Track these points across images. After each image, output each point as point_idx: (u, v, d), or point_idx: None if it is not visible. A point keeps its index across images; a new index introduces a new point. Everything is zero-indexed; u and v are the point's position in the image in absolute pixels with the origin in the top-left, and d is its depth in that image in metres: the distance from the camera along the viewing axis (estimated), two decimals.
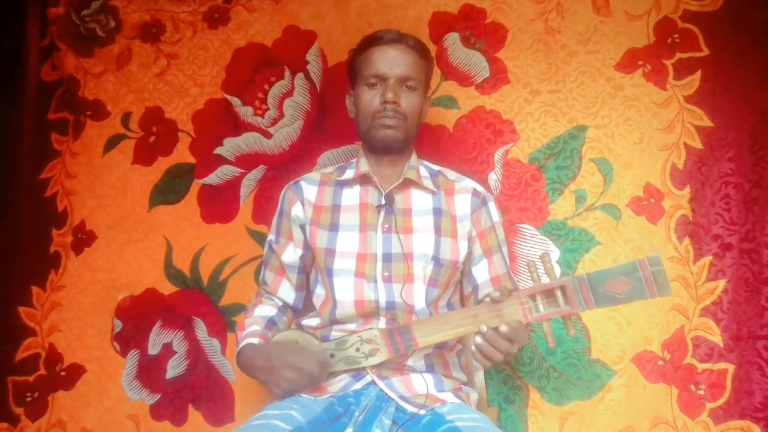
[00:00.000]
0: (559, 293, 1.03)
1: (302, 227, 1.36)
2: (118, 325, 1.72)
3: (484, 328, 1.04)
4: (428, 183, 1.35)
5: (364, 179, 1.35)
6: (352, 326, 1.25)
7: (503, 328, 1.03)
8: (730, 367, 1.40)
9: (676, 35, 1.54)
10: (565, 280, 1.02)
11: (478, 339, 1.05)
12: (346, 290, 1.26)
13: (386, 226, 1.29)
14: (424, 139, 1.63)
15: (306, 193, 1.37)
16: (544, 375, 1.50)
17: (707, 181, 1.48)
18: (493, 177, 1.60)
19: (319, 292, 1.33)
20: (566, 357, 1.49)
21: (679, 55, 1.54)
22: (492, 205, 1.37)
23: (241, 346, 1.26)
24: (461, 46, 1.67)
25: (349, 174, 1.37)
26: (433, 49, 1.67)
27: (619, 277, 0.99)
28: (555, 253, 1.54)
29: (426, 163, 1.43)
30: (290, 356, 1.16)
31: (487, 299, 1.08)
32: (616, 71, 1.57)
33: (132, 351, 1.71)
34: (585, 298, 1.01)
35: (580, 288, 1.01)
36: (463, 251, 1.31)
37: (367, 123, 1.32)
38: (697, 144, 1.50)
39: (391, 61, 1.30)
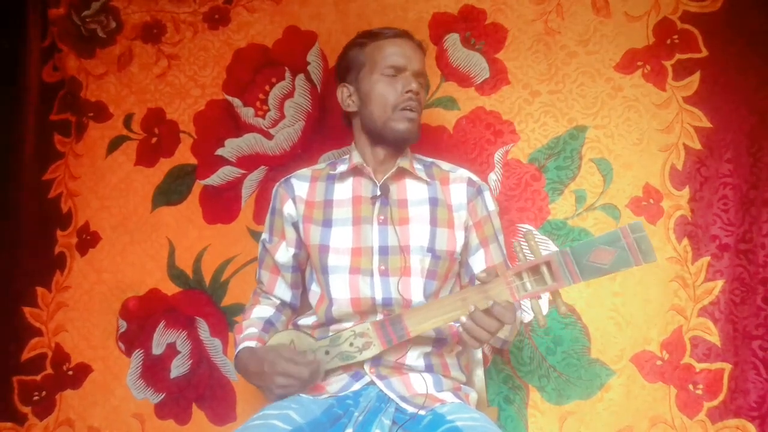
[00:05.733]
0: (545, 269, 1.02)
1: (295, 225, 1.34)
2: (123, 325, 1.74)
3: (472, 308, 1.05)
4: (422, 174, 1.34)
5: (357, 172, 1.34)
6: (348, 324, 1.24)
7: (488, 303, 1.04)
8: (727, 367, 1.41)
9: (676, 36, 1.54)
10: (550, 256, 1.01)
11: (464, 318, 1.06)
12: (341, 288, 1.25)
13: (382, 217, 1.28)
14: (424, 140, 1.61)
15: (297, 189, 1.35)
16: (544, 375, 1.51)
17: (706, 182, 1.49)
18: (493, 177, 1.61)
19: (315, 289, 1.33)
20: (566, 357, 1.50)
21: (678, 56, 1.54)
22: (487, 195, 1.36)
23: (238, 350, 1.27)
24: (461, 47, 1.68)
25: (341, 167, 1.36)
26: (433, 49, 1.68)
27: (603, 247, 0.97)
28: None
29: (418, 156, 1.42)
30: (281, 362, 1.14)
31: (477, 282, 1.09)
32: (615, 72, 1.58)
33: (137, 351, 1.73)
34: (571, 272, 1.00)
35: (565, 262, 1.00)
36: (460, 241, 1.31)
37: (386, 114, 1.29)
38: (696, 145, 1.50)
39: (409, 54, 1.31)
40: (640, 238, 0.96)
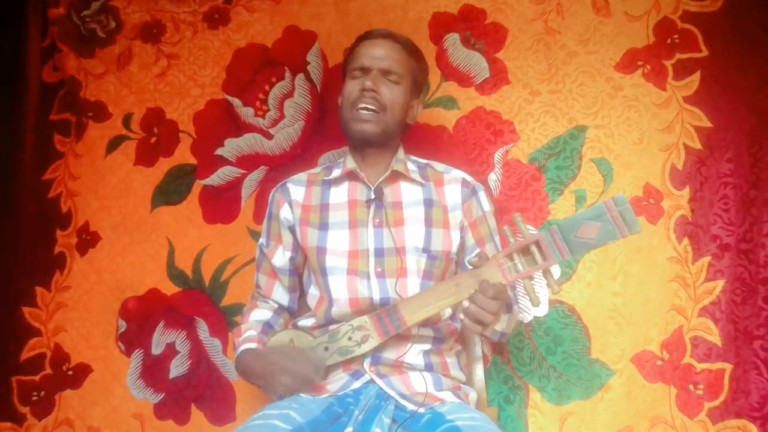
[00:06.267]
0: (534, 249, 1.03)
1: (291, 229, 1.35)
2: (123, 325, 1.74)
3: (472, 291, 1.05)
4: (416, 176, 1.35)
5: (351, 176, 1.34)
6: None
7: (486, 284, 1.05)
8: (728, 367, 1.41)
9: (676, 36, 1.54)
10: (538, 234, 1.03)
11: (466, 303, 1.06)
12: (340, 289, 1.26)
13: (377, 220, 1.28)
14: (424, 140, 1.64)
15: (293, 194, 1.36)
16: (544, 375, 1.51)
17: (706, 181, 1.48)
18: (494, 177, 1.61)
19: (313, 292, 1.33)
20: (566, 357, 1.50)
21: (678, 56, 1.54)
22: (482, 195, 1.36)
23: (238, 351, 1.27)
24: (461, 47, 1.68)
25: (336, 172, 1.36)
26: (433, 49, 1.68)
27: (589, 222, 0.99)
28: None
29: (413, 157, 1.42)
30: (286, 361, 1.16)
31: (469, 267, 1.10)
32: (615, 71, 1.58)
33: (136, 351, 1.73)
34: (559, 249, 1.01)
35: (554, 239, 1.01)
36: (456, 241, 1.31)
37: (347, 113, 1.31)
38: (697, 144, 1.50)
39: (375, 54, 1.31)
40: (624, 211, 0.97)
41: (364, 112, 1.28)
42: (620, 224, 0.98)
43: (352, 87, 1.31)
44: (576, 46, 1.61)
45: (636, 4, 1.58)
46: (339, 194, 1.34)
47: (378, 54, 1.31)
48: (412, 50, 1.37)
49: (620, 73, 1.57)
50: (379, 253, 1.26)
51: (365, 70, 1.31)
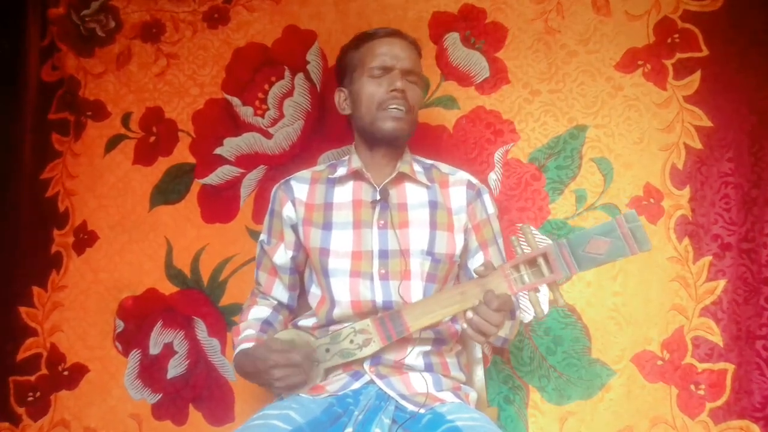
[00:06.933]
0: (542, 261, 1.02)
1: (294, 227, 1.34)
2: (120, 325, 1.73)
3: (477, 302, 1.05)
4: (422, 177, 1.34)
5: (356, 176, 1.33)
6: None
7: (491, 296, 1.04)
8: (730, 367, 1.41)
9: (676, 35, 1.54)
10: (546, 247, 1.01)
11: (470, 314, 1.05)
12: (342, 290, 1.25)
13: (381, 222, 1.28)
14: (424, 139, 1.63)
15: (297, 192, 1.35)
16: (544, 375, 1.50)
17: (707, 181, 1.48)
18: (494, 177, 1.61)
19: (315, 291, 1.32)
20: (566, 357, 1.50)
21: (678, 55, 1.54)
22: (487, 198, 1.36)
23: (236, 351, 1.26)
24: (461, 46, 1.67)
25: (341, 171, 1.35)
26: (433, 49, 1.68)
27: (599, 238, 0.98)
28: None
29: (419, 158, 1.41)
30: (272, 355, 1.14)
31: (475, 276, 1.09)
32: (616, 71, 1.57)
33: (134, 351, 1.72)
34: (567, 263, 1.00)
35: (562, 253, 1.00)
36: (459, 244, 1.30)
37: (372, 114, 1.29)
38: (697, 144, 1.50)
39: (396, 53, 1.30)
40: (635, 228, 0.97)
41: (396, 110, 1.27)
42: (630, 241, 0.97)
43: (375, 87, 1.28)
44: (576, 46, 1.60)
45: (636, 3, 1.58)
46: (343, 193, 1.33)
47: (400, 54, 1.30)
48: (419, 50, 1.37)
49: (620, 72, 1.57)
50: (384, 255, 1.25)
51: (387, 69, 1.29)
